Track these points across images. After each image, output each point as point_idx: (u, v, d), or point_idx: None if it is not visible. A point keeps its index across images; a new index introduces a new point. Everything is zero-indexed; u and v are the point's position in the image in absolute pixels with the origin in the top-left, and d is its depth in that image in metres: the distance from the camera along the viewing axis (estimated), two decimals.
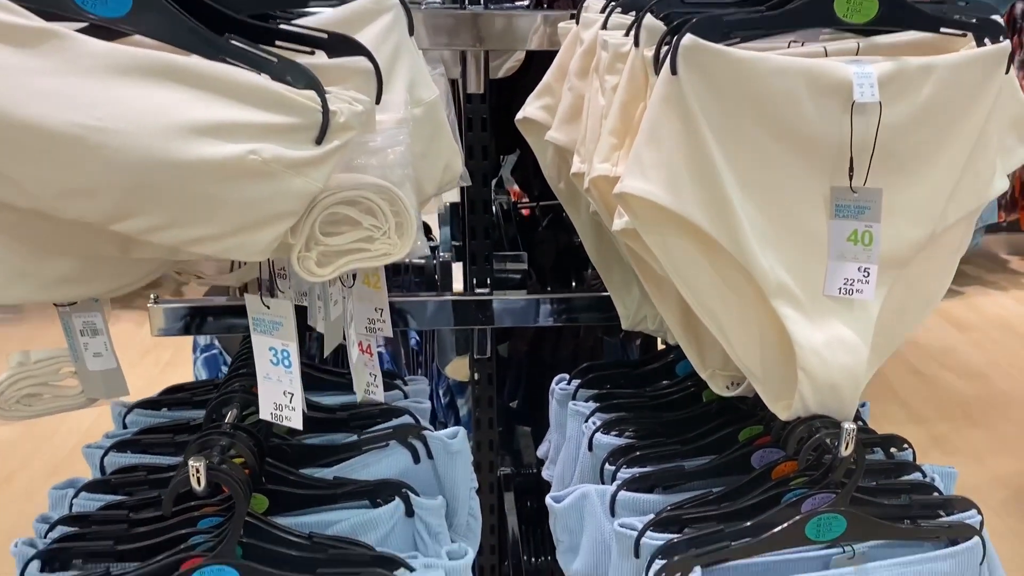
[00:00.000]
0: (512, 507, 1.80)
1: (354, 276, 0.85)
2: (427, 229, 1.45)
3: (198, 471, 0.76)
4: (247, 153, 0.61)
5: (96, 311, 0.81)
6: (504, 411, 2.16)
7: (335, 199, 0.67)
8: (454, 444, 1.00)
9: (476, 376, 1.35)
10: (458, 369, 1.51)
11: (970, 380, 3.57)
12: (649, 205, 0.82)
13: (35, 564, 0.83)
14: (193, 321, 1.21)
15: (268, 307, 0.71)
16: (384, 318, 0.92)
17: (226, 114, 0.62)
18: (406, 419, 1.03)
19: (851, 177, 0.83)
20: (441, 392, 1.75)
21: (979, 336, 3.78)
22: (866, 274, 0.85)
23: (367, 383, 0.93)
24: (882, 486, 0.95)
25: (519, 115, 1.10)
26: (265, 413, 0.76)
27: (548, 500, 1.04)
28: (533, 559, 1.71)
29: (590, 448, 1.12)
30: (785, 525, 0.87)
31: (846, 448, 0.84)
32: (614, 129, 0.88)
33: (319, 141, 0.64)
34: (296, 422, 0.76)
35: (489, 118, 1.23)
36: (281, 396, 0.74)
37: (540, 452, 1.40)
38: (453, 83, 1.28)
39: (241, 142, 0.62)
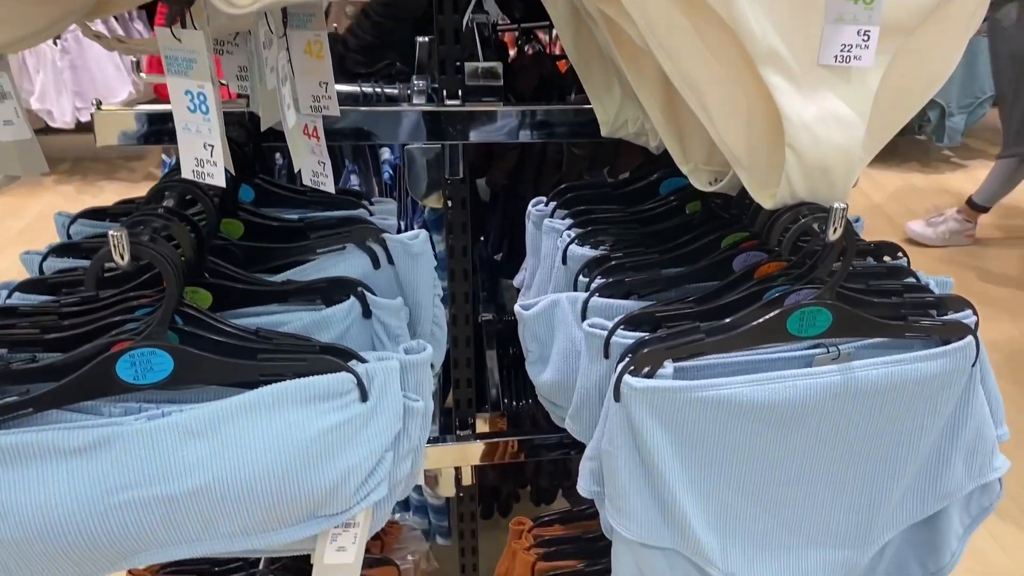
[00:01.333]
0: (493, 353, 1.76)
1: (285, 23, 0.76)
2: None
3: (119, 241, 0.69)
4: None
5: (2, 71, 0.72)
6: (488, 264, 2.10)
7: None
8: (415, 245, 0.93)
9: (449, 202, 1.27)
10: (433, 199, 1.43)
11: (966, 251, 3.51)
12: None
13: None
14: (143, 128, 1.12)
15: (179, 40, 0.63)
16: (330, 94, 0.83)
17: None
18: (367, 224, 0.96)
19: None
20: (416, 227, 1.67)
21: None
22: (865, 38, 0.76)
23: (314, 171, 0.85)
24: (872, 287, 0.89)
25: None
26: (187, 171, 0.69)
27: (516, 308, 0.98)
28: (515, 403, 1.67)
29: (564, 261, 1.05)
30: (765, 318, 0.81)
31: (835, 232, 0.77)
32: None
33: None
34: (218, 179, 0.68)
35: None
36: (201, 149, 0.66)
37: (516, 281, 1.34)
38: None
39: None
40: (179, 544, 0.75)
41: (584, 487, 0.92)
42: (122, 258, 0.69)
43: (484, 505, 2.10)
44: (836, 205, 0.76)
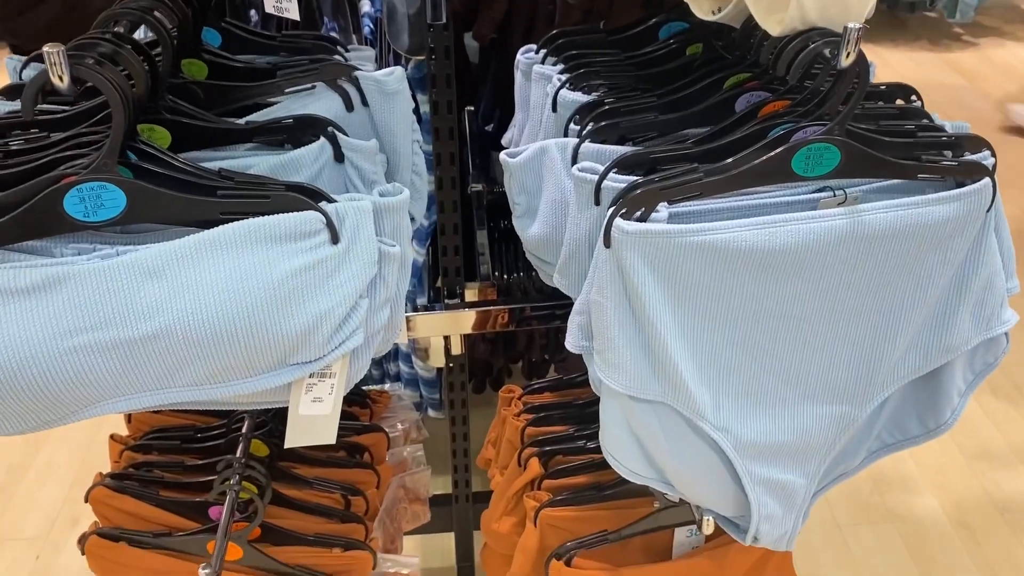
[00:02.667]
0: (484, 224, 1.70)
1: None
2: None
3: (57, 60, 0.62)
4: None
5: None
6: (479, 136, 2.02)
7: None
8: (390, 83, 0.86)
9: (432, 51, 1.18)
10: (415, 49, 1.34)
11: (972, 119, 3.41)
12: None
13: None
14: None
15: None
16: None
17: None
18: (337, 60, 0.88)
19: None
20: None
21: (988, 85, 3.58)
22: None
23: None
24: (884, 127, 0.82)
25: None
26: (268, 6, 0.62)
27: (502, 157, 0.92)
28: (505, 276, 1.63)
29: (554, 109, 0.98)
30: (769, 156, 0.75)
31: (848, 56, 0.70)
32: None
33: None
34: (293, 13, 0.61)
35: None
36: None
37: (505, 140, 1.27)
38: None
39: None
40: (142, 392, 0.71)
41: (572, 342, 0.88)
42: (60, 80, 0.63)
43: (476, 380, 2.09)
44: (851, 25, 0.69)
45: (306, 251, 0.69)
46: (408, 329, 1.39)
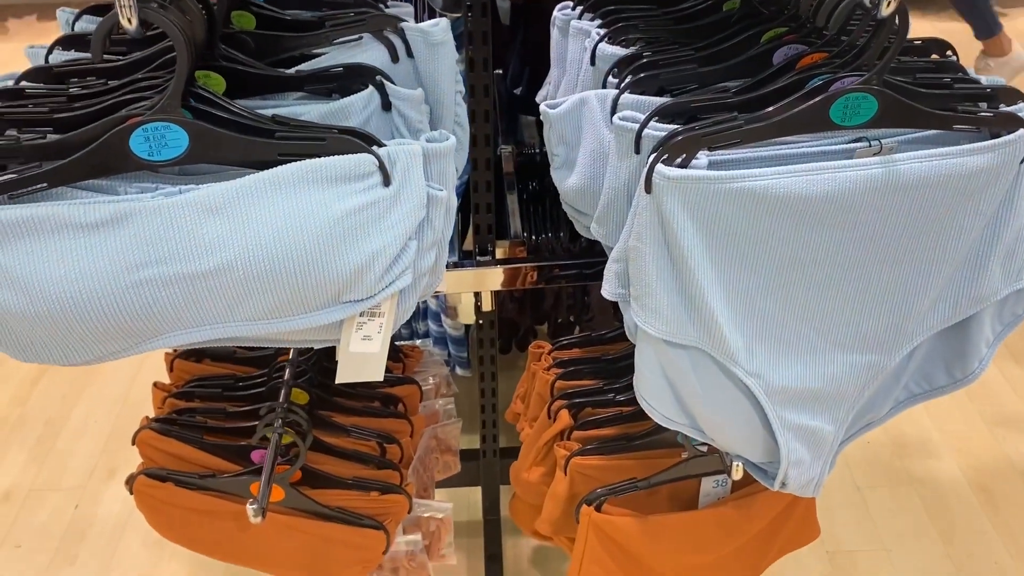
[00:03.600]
0: (513, 185, 1.73)
1: None
2: None
3: (126, 3, 0.64)
4: None
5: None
6: (507, 98, 2.04)
7: None
8: (436, 33, 0.88)
9: (469, 8, 1.20)
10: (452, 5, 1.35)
11: None
12: None
13: None
14: None
15: None
16: None
17: None
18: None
19: None
20: None
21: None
22: None
23: None
24: (921, 79, 0.84)
25: None
26: None
27: (542, 108, 0.94)
28: (533, 237, 1.65)
29: (592, 62, 1.00)
30: (808, 105, 0.77)
31: (888, 5, 0.71)
32: None
33: None
34: None
35: None
36: None
37: (539, 97, 1.29)
38: None
39: None
40: (203, 326, 0.74)
41: (609, 290, 0.90)
42: (129, 22, 0.65)
43: (502, 340, 2.13)
44: None
45: (359, 192, 0.72)
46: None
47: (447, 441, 1.43)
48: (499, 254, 1.47)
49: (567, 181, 0.96)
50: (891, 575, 1.77)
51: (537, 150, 1.80)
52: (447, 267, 1.46)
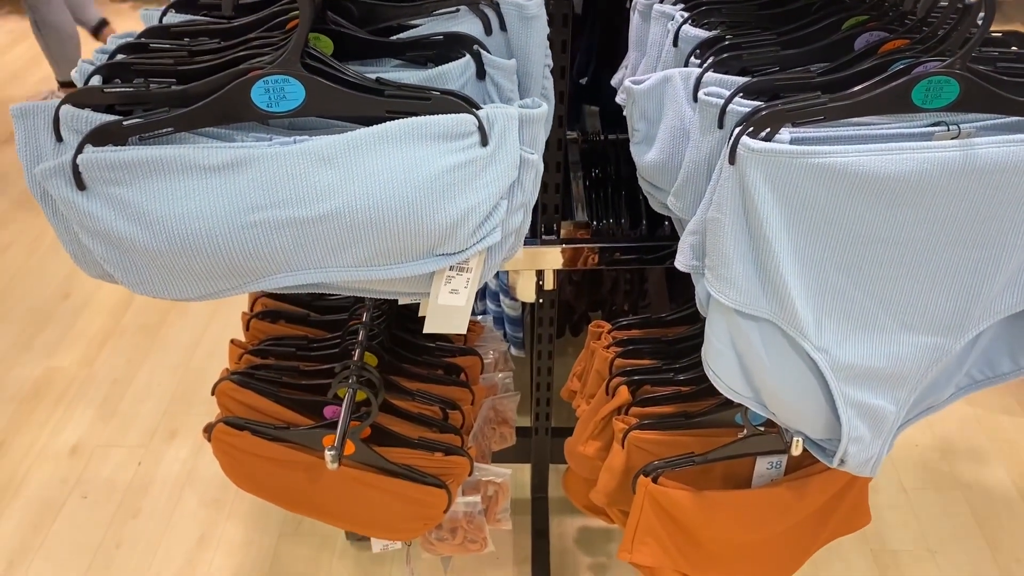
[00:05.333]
0: (579, 170, 1.76)
1: None
2: None
3: None
4: None
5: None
6: (572, 87, 2.07)
7: None
8: (530, 7, 0.92)
9: None
10: None
11: None
12: None
13: (96, 79, 0.80)
14: None
15: None
16: None
17: None
18: None
19: None
20: None
21: None
22: None
23: None
24: (1002, 68, 0.86)
25: None
26: None
27: (626, 84, 0.97)
28: (596, 222, 1.69)
29: (675, 44, 1.03)
30: (891, 86, 0.79)
31: None
32: None
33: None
34: None
35: None
36: None
37: (615, 80, 1.33)
38: None
39: None
40: (307, 269, 0.79)
41: (683, 261, 0.93)
42: None
43: (556, 324, 2.16)
44: None
45: (460, 150, 0.76)
46: None
47: (504, 413, 1.47)
48: (563, 234, 1.50)
49: (646, 156, 0.99)
50: None
51: (601, 137, 1.83)
52: None
